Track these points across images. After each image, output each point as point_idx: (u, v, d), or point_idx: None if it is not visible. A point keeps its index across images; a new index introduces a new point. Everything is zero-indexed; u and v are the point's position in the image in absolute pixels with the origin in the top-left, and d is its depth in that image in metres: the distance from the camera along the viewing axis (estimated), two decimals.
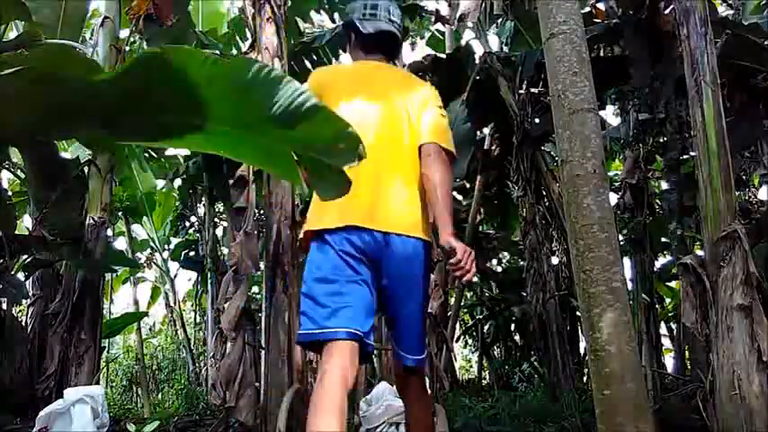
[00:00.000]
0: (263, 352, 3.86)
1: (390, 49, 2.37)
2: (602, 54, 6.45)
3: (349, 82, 2.24)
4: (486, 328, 10.13)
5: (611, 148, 7.31)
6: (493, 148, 7.84)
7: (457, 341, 11.03)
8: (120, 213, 9.40)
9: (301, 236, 2.17)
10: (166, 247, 11.20)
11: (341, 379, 1.82)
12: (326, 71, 2.46)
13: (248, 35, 8.05)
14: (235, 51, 8.25)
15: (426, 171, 2.07)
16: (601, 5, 6.10)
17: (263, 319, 4.19)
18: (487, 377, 10.23)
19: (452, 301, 9.04)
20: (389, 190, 2.05)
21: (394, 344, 2.14)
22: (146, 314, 11.68)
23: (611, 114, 8.85)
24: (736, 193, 3.96)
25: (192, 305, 12.88)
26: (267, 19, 4.03)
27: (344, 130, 1.50)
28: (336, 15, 7.58)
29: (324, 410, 1.75)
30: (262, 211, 8.65)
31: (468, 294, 11.78)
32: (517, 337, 10.02)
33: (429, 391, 2.79)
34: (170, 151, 9.89)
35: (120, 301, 16.68)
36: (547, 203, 6.79)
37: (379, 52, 2.33)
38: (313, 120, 1.24)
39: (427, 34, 9.83)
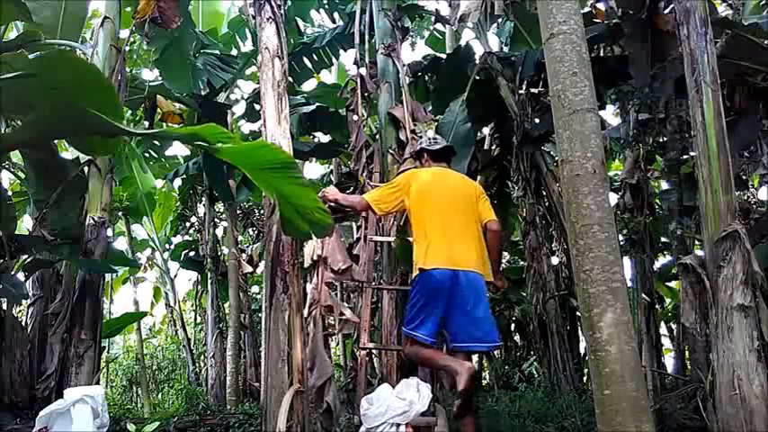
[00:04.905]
0: (262, 352, 3.86)
1: (450, 157, 3.77)
2: (602, 54, 6.45)
3: (432, 178, 3.52)
4: None
5: (611, 148, 7.30)
6: (493, 147, 7.83)
7: None
8: (120, 213, 9.40)
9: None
10: (167, 247, 11.20)
11: None
12: (419, 171, 3.67)
13: (248, 35, 8.09)
14: (235, 51, 8.26)
15: (491, 236, 3.44)
16: (601, 5, 6.09)
17: (263, 319, 4.18)
18: (487, 377, 10.21)
19: None
20: (464, 245, 3.32)
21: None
22: (146, 314, 11.67)
23: (611, 114, 8.85)
24: (736, 193, 3.95)
25: (192, 305, 12.88)
26: (267, 19, 4.01)
27: (320, 206, 3.11)
28: (336, 15, 7.58)
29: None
30: (261, 211, 8.65)
31: None
32: (517, 337, 10.01)
33: None
34: (170, 151, 9.91)
35: (120, 301, 16.71)
36: (547, 203, 6.78)
37: (443, 161, 3.69)
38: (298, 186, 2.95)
39: (427, 34, 9.83)
